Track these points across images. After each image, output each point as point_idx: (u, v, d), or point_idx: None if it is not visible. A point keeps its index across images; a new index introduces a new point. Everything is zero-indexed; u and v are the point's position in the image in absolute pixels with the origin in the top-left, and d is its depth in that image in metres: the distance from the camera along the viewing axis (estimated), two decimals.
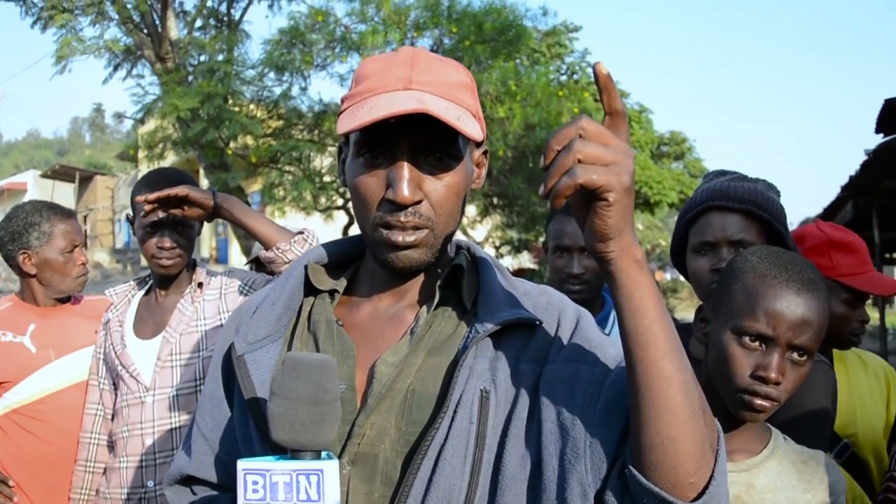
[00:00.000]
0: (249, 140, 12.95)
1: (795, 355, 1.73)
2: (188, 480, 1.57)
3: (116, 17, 13.36)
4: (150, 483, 2.67)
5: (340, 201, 13.73)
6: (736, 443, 1.79)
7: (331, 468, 1.13)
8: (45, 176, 38.89)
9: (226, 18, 14.07)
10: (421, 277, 1.49)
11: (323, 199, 13.26)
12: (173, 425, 2.68)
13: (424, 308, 1.44)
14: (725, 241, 2.25)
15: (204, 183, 14.33)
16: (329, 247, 1.59)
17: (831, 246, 2.73)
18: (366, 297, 1.51)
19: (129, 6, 13.08)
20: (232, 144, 12.88)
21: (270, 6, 14.06)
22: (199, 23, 14.22)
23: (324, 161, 13.23)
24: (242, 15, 14.02)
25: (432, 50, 13.50)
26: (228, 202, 2.62)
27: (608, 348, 1.37)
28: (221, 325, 2.72)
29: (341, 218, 14.05)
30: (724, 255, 2.25)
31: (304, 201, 12.51)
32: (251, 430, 1.40)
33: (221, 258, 28.92)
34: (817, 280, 1.76)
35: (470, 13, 12.21)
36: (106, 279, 24.84)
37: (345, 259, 1.57)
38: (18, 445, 2.85)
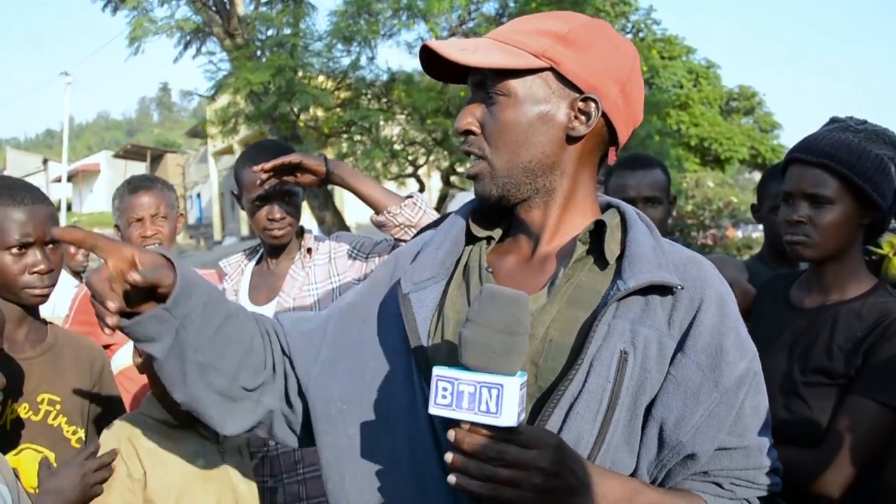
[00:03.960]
0: (320, 112, 13.06)
1: None
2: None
3: None
4: (272, 443, 2.73)
5: (411, 169, 13.82)
6: None
7: (511, 384, 1.17)
8: (117, 156, 39.84)
9: None
10: (564, 229, 1.54)
11: (395, 168, 13.35)
12: None
13: (566, 260, 1.49)
14: (801, 193, 2.27)
15: None
16: None
17: None
18: (514, 246, 1.59)
19: None
20: (303, 116, 13.02)
21: None
22: None
23: (393, 130, 13.31)
24: None
25: (497, 13, 13.45)
26: (339, 168, 2.68)
27: (738, 362, 1.42)
28: (332, 289, 2.80)
29: (413, 186, 14.14)
30: (799, 208, 2.27)
31: (375, 170, 12.60)
32: (412, 366, 1.49)
33: None
34: None
35: None
36: (179, 254, 25.31)
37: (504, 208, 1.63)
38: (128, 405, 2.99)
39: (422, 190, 13.99)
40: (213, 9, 13.37)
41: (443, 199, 13.66)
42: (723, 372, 1.40)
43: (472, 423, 1.19)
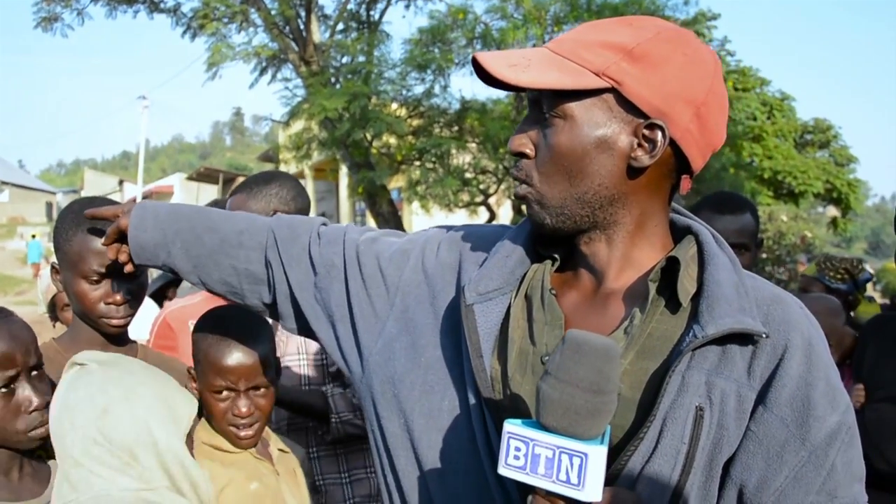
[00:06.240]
0: (392, 139, 13.14)
1: None
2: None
3: (262, 23, 13.80)
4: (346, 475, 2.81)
5: (481, 197, 13.80)
6: None
7: (597, 454, 1.04)
8: (190, 178, 40.56)
9: (365, 20, 14.32)
10: (632, 265, 1.39)
11: (466, 196, 13.35)
12: None
13: (638, 306, 1.34)
14: None
15: (344, 182, 14.63)
16: None
17: None
18: (575, 279, 1.44)
19: (273, 13, 13.49)
20: (376, 143, 13.12)
21: (407, 6, 14.25)
22: (340, 26, 14.52)
23: (464, 158, 13.33)
24: (381, 16, 14.25)
25: None
26: None
27: (829, 416, 1.25)
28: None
29: (483, 214, 14.12)
30: None
31: (447, 198, 12.60)
32: (466, 376, 1.38)
33: None
34: None
35: (610, 5, 12.02)
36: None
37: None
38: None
39: (492, 219, 13.94)
40: (290, 36, 13.60)
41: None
42: (810, 427, 1.24)
43: (549, 493, 1.07)
